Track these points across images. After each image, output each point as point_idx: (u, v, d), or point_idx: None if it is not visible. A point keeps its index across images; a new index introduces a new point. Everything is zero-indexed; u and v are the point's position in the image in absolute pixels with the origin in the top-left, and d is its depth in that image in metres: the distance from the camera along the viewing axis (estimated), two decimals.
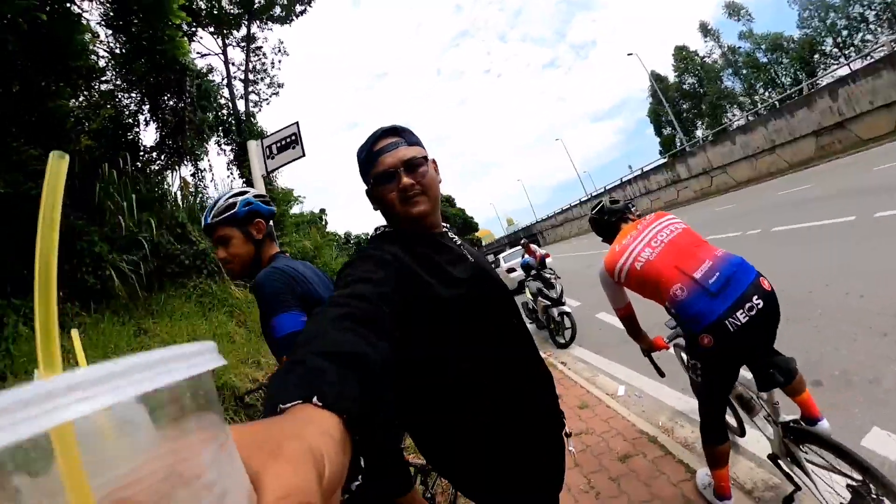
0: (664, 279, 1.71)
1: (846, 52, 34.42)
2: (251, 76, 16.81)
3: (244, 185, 9.15)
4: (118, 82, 7.58)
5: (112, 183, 5.36)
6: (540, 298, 6.08)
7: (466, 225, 61.74)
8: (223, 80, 15.00)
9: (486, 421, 0.88)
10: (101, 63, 7.07)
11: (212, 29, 14.37)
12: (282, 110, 70.77)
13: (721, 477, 1.91)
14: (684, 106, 46.24)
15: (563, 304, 5.84)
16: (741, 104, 42.56)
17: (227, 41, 15.59)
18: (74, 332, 0.28)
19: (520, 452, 0.90)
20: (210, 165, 13.94)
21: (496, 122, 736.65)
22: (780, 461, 1.79)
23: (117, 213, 5.10)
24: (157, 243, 5.26)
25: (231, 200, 1.42)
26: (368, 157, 0.96)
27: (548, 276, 6.22)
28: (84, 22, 5.52)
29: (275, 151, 4.15)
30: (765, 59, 41.01)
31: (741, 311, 1.57)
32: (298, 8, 16.49)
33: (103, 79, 7.25)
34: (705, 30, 45.07)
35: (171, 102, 8.18)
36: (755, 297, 1.59)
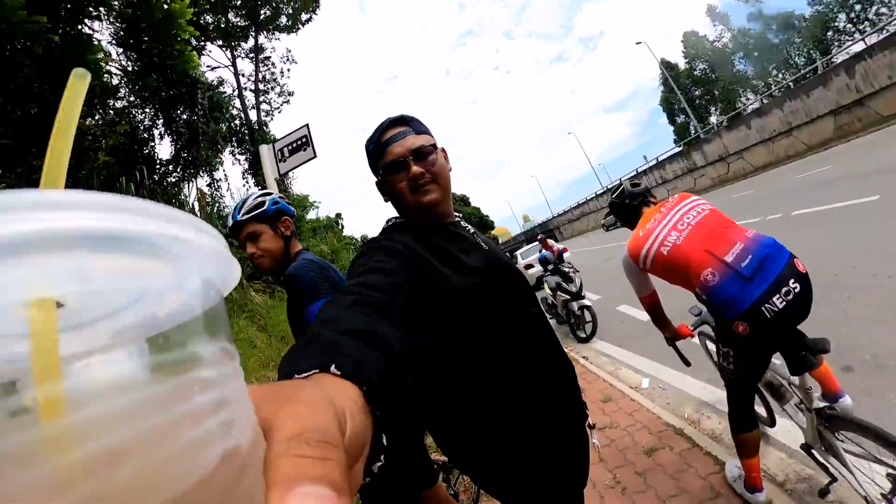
0: (694, 264, 1.62)
1: (860, 27, 33.37)
2: (261, 86, 17.13)
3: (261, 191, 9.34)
4: (132, 99, 7.80)
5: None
6: (559, 293, 5.96)
7: (482, 224, 61.75)
8: (234, 91, 15.33)
9: (499, 412, 0.85)
10: (115, 81, 7.27)
11: (220, 42, 14.67)
12: (294, 118, 69.85)
13: (751, 468, 1.84)
14: (696, 92, 45.42)
15: (583, 297, 5.70)
16: (755, 87, 41.59)
17: (235, 53, 15.91)
18: None
19: (535, 446, 0.87)
20: (225, 175, 14.22)
21: (508, 119, 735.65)
22: (813, 451, 1.71)
23: None
24: None
25: (260, 199, 1.52)
26: (377, 147, 0.95)
27: (566, 269, 6.08)
28: (95, 42, 5.68)
29: (287, 154, 4.20)
30: (776, 40, 40.04)
31: (777, 295, 1.48)
32: (304, 16, 16.73)
33: (117, 96, 7.45)
34: (714, 13, 44.25)
35: (185, 115, 8.37)
36: (791, 280, 1.50)
